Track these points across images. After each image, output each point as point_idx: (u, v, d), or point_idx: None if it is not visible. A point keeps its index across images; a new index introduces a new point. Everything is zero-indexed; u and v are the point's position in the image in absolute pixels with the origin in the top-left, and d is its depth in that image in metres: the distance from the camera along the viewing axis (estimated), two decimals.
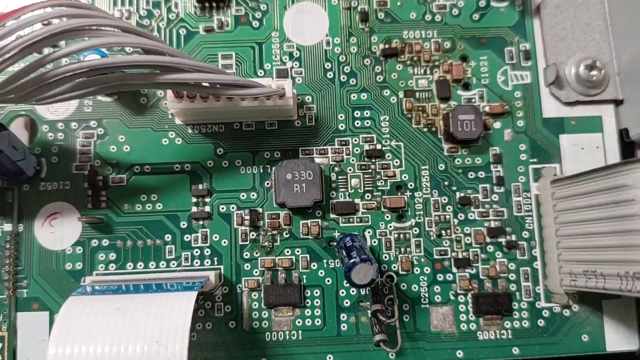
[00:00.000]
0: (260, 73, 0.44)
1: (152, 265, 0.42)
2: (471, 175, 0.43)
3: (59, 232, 0.42)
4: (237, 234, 0.42)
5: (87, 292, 0.37)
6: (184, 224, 0.42)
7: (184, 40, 0.44)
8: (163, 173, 0.43)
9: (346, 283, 0.36)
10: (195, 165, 0.43)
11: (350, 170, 0.43)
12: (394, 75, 0.44)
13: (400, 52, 0.44)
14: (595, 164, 0.43)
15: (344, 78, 0.44)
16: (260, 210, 0.42)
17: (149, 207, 0.42)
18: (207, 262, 0.42)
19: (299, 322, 0.42)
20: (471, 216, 0.43)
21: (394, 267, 0.42)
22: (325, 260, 0.42)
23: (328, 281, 0.42)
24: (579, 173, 0.38)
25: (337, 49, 0.44)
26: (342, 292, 0.42)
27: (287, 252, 0.42)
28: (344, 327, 0.42)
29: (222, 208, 0.42)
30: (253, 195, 0.42)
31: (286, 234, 0.42)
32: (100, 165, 0.42)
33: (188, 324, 0.32)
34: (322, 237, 0.42)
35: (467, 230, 0.43)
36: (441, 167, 0.43)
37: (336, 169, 0.43)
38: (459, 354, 0.42)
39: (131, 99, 0.43)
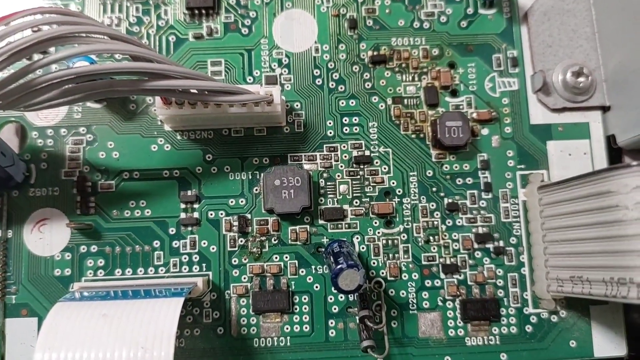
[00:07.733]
0: (250, 80, 0.44)
1: (140, 271, 0.42)
2: (459, 181, 0.43)
3: (47, 238, 0.42)
4: (226, 240, 0.42)
5: (75, 298, 0.37)
6: (172, 230, 0.42)
7: (173, 47, 0.44)
8: (152, 179, 0.43)
9: (334, 289, 0.36)
10: (184, 171, 0.43)
11: (338, 176, 0.43)
12: (383, 82, 0.44)
13: (389, 59, 0.45)
14: (582, 170, 0.43)
15: (332, 85, 0.44)
16: (248, 216, 0.42)
17: (137, 213, 0.42)
18: (196, 269, 0.42)
19: (287, 328, 0.42)
20: (459, 222, 0.43)
21: (382, 273, 0.42)
22: (313, 267, 0.42)
23: (316, 287, 0.42)
24: (566, 179, 0.38)
25: (326, 56, 0.45)
26: (331, 298, 0.42)
27: (276, 258, 0.42)
28: (332, 333, 0.42)
29: (211, 214, 0.42)
30: (242, 202, 0.43)
31: (274, 240, 0.42)
32: (89, 171, 0.42)
33: (174, 330, 0.33)
34: (311, 243, 0.42)
35: (455, 236, 0.43)
36: (429, 173, 0.43)
37: (324, 175, 0.43)
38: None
39: (120, 105, 0.43)
